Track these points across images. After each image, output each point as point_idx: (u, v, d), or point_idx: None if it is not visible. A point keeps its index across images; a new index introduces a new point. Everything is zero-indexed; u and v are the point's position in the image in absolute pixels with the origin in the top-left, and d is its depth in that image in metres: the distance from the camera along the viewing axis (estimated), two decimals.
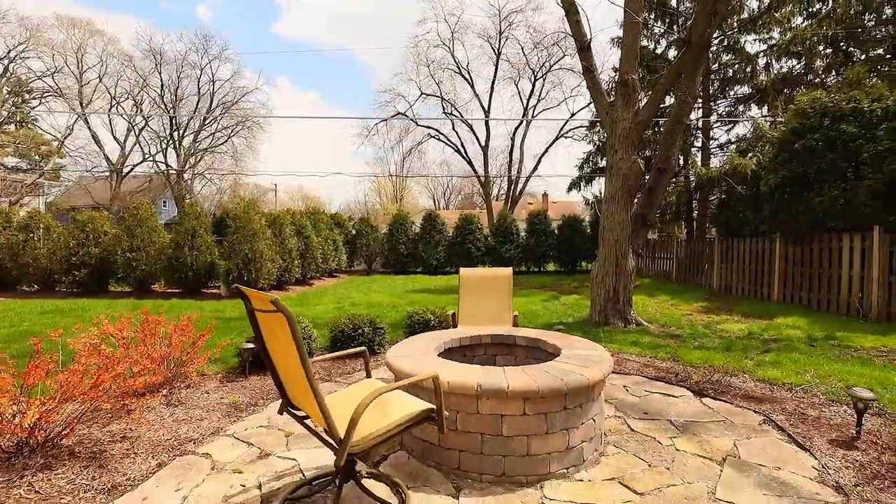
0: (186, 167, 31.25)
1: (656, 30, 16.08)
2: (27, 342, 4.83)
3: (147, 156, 30.45)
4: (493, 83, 28.91)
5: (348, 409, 1.66)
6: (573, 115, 28.72)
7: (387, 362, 2.65)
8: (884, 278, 7.07)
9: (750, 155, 11.33)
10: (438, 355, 2.85)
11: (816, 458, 2.46)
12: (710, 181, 12.03)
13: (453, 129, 29.96)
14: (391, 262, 18.74)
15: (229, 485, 2.17)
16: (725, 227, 11.93)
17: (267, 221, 11.89)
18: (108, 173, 29.57)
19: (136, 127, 29.98)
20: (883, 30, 13.89)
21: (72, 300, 9.56)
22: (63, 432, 2.36)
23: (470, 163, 31.75)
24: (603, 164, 17.28)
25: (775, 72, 15.16)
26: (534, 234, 18.19)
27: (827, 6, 14.75)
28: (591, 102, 24.39)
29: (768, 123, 12.75)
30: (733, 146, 14.33)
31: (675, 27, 15.57)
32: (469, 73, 29.14)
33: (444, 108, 29.27)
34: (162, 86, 29.95)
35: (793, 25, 15.02)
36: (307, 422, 1.96)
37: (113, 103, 29.32)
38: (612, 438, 2.74)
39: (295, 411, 1.96)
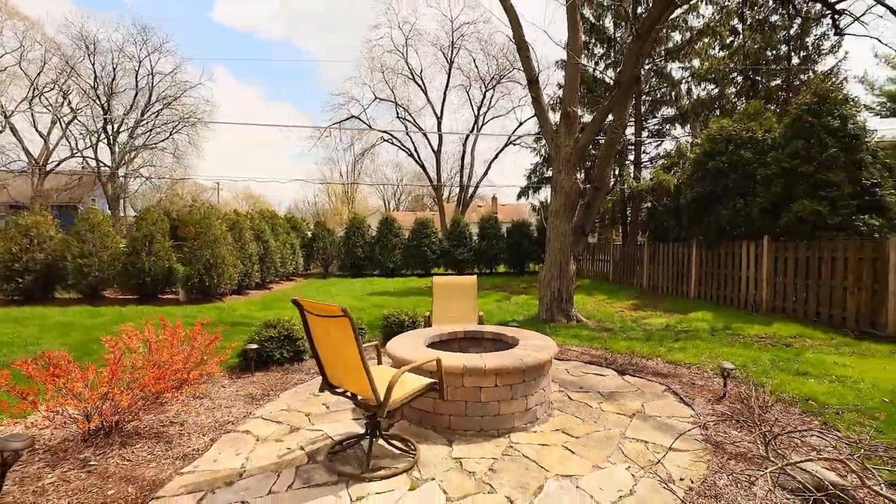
0: (121, 164, 29.61)
1: (597, 51, 17.71)
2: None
3: (75, 151, 28.54)
4: (445, 90, 29.94)
5: (380, 383, 2.43)
6: (521, 123, 30.38)
7: (389, 353, 3.42)
8: (770, 278, 8.69)
9: (673, 171, 13.01)
10: (427, 346, 3.65)
11: (694, 410, 3.52)
12: (640, 193, 13.63)
13: (407, 133, 30.69)
14: (348, 265, 19.15)
15: (276, 449, 2.85)
16: (653, 233, 13.59)
17: (227, 226, 12.04)
18: (28, 169, 27.36)
19: (62, 119, 27.98)
20: (778, 65, 16.28)
21: (21, 308, 9.30)
22: (129, 419, 2.91)
23: (423, 167, 32.59)
24: (549, 173, 18.73)
25: (696, 96, 17.28)
26: (485, 237, 19.35)
27: (738, 40, 17.03)
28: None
29: (689, 144, 14.60)
30: (661, 161, 16.16)
31: (611, 52, 17.28)
32: (422, 80, 29.93)
33: (398, 114, 29.93)
34: (95, 77, 28.17)
35: (711, 55, 17.21)
36: (343, 394, 2.70)
37: (35, 93, 27.16)
38: (557, 405, 3.67)
39: (334, 389, 2.69)
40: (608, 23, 17.09)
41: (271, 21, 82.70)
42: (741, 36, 16.89)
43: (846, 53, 18.02)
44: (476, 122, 30.59)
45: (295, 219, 20.54)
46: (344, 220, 34.90)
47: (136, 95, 29.52)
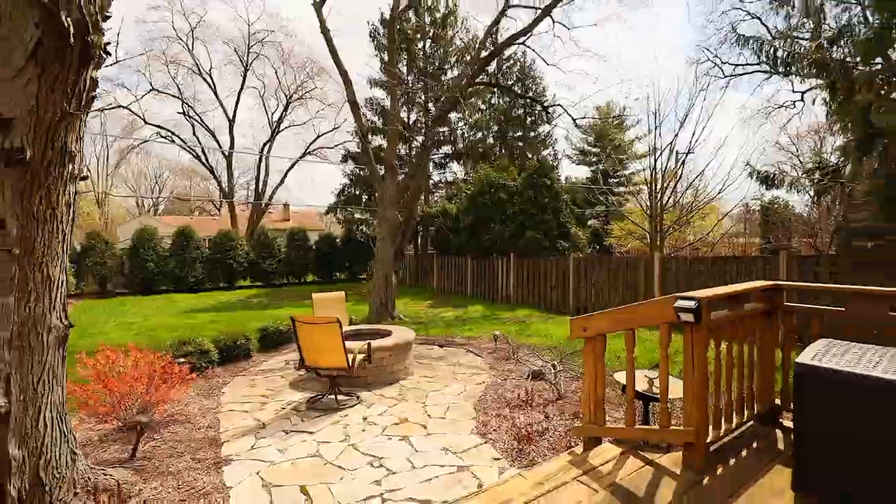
0: None
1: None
2: None
3: None
4: (239, 93, 28.94)
5: (342, 356, 4.49)
6: (319, 135, 31.75)
7: None
8: (517, 281, 13.29)
9: (453, 200, 17.29)
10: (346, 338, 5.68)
11: (482, 358, 6.62)
12: (430, 216, 17.48)
13: (194, 134, 28.27)
14: (136, 282, 17.26)
15: (274, 407, 4.51)
16: (441, 248, 17.61)
17: None
18: None
19: None
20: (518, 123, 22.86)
21: None
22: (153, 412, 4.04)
23: (212, 170, 30.45)
24: (357, 192, 21.18)
25: (467, 140, 22.55)
26: (295, 248, 20.33)
27: (495, 98, 22.90)
28: (336, 127, 28.21)
29: (465, 181, 19.36)
30: (443, 190, 20.63)
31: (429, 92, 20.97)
32: (212, 78, 28.20)
33: (183, 111, 27.31)
34: None
35: (478, 106, 22.69)
36: (314, 370, 4.60)
37: None
38: (414, 366, 6.22)
39: (308, 367, 4.56)
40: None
41: None
42: (496, 97, 23.01)
43: (558, 117, 26.29)
44: (273, 129, 30.48)
45: None
46: (96, 225, 29.37)
47: None
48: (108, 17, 2.62)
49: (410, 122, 20.26)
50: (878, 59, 7.03)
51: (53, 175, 2.42)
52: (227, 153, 29.20)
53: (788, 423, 2.97)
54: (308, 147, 30.65)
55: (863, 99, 6.19)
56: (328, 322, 4.34)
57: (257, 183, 30.06)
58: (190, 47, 26.85)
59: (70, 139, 2.48)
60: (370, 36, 20.10)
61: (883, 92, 6.67)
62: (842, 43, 8.04)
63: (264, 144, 29.70)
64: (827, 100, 8.00)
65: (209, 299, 15.35)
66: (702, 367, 2.45)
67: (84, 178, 2.76)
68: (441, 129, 21.57)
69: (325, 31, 10.97)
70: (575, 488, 2.36)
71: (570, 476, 2.47)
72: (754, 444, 2.78)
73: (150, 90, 26.39)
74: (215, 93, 28.22)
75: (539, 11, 10.86)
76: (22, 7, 2.16)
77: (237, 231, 21.04)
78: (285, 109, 29.33)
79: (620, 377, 3.30)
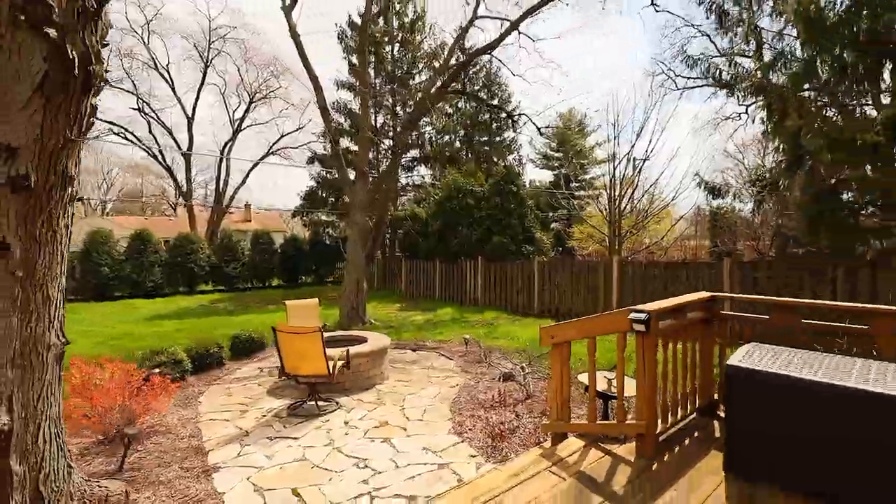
0: None
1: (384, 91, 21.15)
2: None
3: None
4: (199, 90, 27.99)
5: (323, 363, 4.66)
6: (283, 135, 31.13)
7: None
8: (484, 284, 13.69)
9: (421, 205, 17.54)
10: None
11: (454, 361, 6.92)
12: (399, 220, 17.66)
13: (150, 131, 27.10)
14: (88, 287, 16.47)
15: (254, 415, 4.61)
16: (409, 251, 17.81)
17: None
18: None
19: None
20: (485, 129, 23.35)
21: None
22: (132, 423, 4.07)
23: (169, 169, 29.33)
24: (324, 194, 21.02)
25: (435, 144, 22.85)
26: (259, 252, 19.93)
27: (462, 103, 23.33)
28: (301, 127, 27.99)
29: (433, 186, 19.65)
30: (411, 193, 20.84)
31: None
32: (169, 74, 27.16)
33: (138, 107, 26.12)
34: None
35: (445, 111, 23.03)
36: (293, 378, 4.75)
37: None
38: (389, 370, 6.44)
39: (288, 375, 4.71)
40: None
41: None
42: (463, 101, 23.44)
43: (524, 125, 27.13)
44: (234, 128, 29.65)
45: None
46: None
47: None
48: (106, 45, 2.74)
49: (378, 125, 20.36)
50: (807, 86, 7.87)
51: (55, 199, 2.52)
52: (185, 153, 28.18)
53: (724, 415, 3.43)
54: (271, 147, 30.06)
55: (793, 123, 6.95)
56: (310, 331, 4.51)
57: (218, 183, 29.14)
58: (146, 40, 25.77)
59: (70, 164, 2.58)
60: (338, 38, 20.05)
61: (811, 116, 7.47)
62: (777, 68, 8.90)
63: (226, 144, 28.88)
64: (764, 119, 8.81)
65: (171, 305, 14.91)
66: (652, 369, 2.84)
67: (80, 200, 2.85)
68: (409, 133, 21.81)
69: (294, 36, 10.96)
70: (545, 478, 2.69)
71: (541, 467, 2.80)
72: (696, 434, 3.22)
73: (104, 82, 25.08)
74: (173, 89, 27.19)
75: (508, 25, 11.29)
76: (30, 41, 2.27)
77: (197, 233, 20.39)
78: (248, 108, 28.63)
79: (583, 378, 3.68)
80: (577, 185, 27.90)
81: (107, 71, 2.67)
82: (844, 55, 7.11)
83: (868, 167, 7.03)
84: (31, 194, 2.39)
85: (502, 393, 5.06)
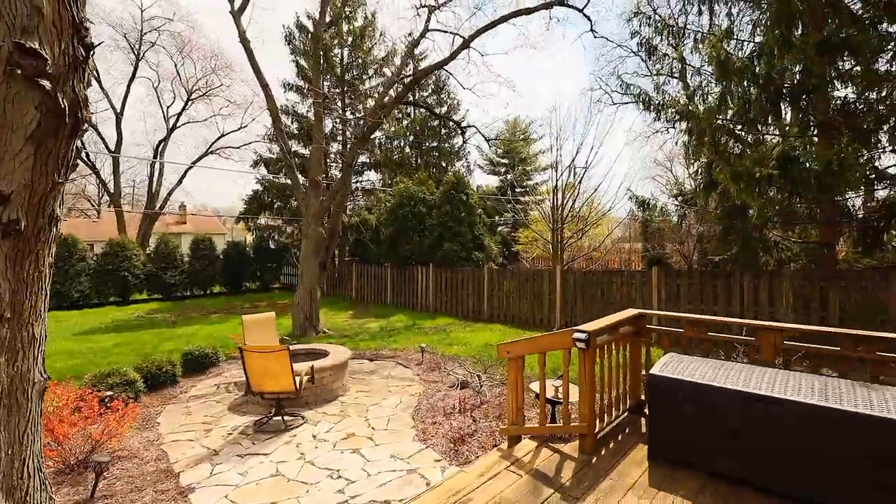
0: None
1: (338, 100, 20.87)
2: None
3: None
4: (129, 84, 26.16)
5: (290, 380, 4.84)
6: (223, 134, 29.80)
7: None
8: (436, 290, 14.10)
9: (372, 211, 17.64)
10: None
11: (411, 370, 7.26)
12: (351, 227, 17.66)
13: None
14: None
15: (219, 433, 4.69)
16: (360, 256, 17.85)
17: None
18: None
19: None
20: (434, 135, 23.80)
21: None
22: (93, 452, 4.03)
23: (93, 167, 27.14)
24: (270, 199, 20.47)
25: (385, 148, 22.95)
26: (200, 258, 19.09)
27: (411, 109, 23.59)
28: (244, 127, 27.07)
29: (383, 191, 19.78)
30: (361, 199, 20.84)
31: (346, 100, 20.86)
32: (95, 64, 25.10)
33: None
34: None
35: (397, 117, 23.17)
36: (259, 395, 4.88)
37: None
38: (349, 381, 6.66)
39: (254, 393, 4.83)
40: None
41: None
42: (412, 109, 23.78)
43: (472, 135, 27.84)
44: (169, 125, 27.98)
45: None
46: None
47: None
48: (89, 86, 2.84)
49: (328, 131, 20.19)
50: (720, 118, 9.01)
51: (42, 240, 2.60)
52: (114, 154, 26.21)
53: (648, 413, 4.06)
54: (210, 146, 28.69)
55: (707, 156, 7.98)
56: (278, 350, 4.68)
57: (150, 184, 27.38)
58: None
59: (56, 205, 2.66)
60: (286, 39, 19.63)
61: (721, 148, 8.57)
62: (697, 98, 10.07)
63: (160, 142, 27.16)
64: (686, 142, 9.92)
65: (103, 317, 14.00)
66: (591, 379, 3.37)
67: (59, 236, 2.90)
68: (363, 147, 21.83)
69: (244, 41, 10.79)
70: (506, 476, 3.13)
71: (502, 467, 3.24)
72: (627, 430, 3.81)
73: None
74: (99, 81, 25.20)
75: (460, 42, 11.76)
76: (24, 92, 2.36)
77: (126, 237, 19.16)
78: (185, 104, 27.14)
79: (534, 386, 4.18)
80: (521, 190, 29.15)
81: (92, 114, 2.77)
82: (750, 92, 8.27)
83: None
84: (20, 237, 2.47)
85: (462, 400, 5.48)
